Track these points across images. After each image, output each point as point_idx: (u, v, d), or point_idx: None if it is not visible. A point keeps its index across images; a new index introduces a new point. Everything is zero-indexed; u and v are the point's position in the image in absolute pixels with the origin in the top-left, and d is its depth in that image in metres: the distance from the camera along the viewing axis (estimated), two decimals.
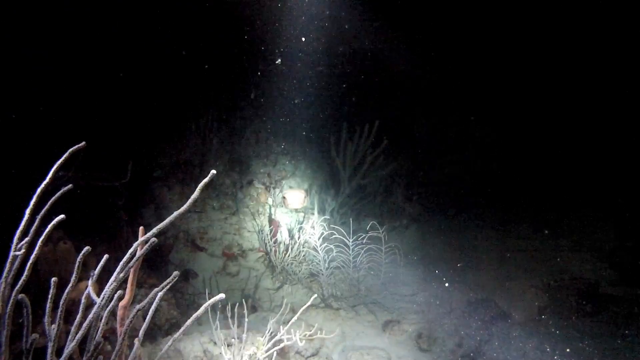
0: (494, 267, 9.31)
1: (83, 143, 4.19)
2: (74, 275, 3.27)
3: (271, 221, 8.42)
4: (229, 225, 8.44)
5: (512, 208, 11.28)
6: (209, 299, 5.21)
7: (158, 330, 5.89)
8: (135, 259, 3.07)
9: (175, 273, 3.00)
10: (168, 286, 3.02)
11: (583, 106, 11.77)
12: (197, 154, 9.00)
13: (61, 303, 3.16)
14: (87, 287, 3.53)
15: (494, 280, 8.83)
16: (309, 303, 5.35)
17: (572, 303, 7.86)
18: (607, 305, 7.99)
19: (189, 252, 7.90)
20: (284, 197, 8.56)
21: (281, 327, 5.49)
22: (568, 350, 6.92)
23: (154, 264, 6.92)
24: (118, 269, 3.24)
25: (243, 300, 6.09)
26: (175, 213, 3.13)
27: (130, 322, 3.00)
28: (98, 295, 3.23)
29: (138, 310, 2.96)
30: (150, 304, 3.11)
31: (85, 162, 4.98)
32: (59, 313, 3.27)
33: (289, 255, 7.84)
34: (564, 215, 10.53)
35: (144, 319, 3.46)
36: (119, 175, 5.51)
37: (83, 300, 3.45)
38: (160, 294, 3.12)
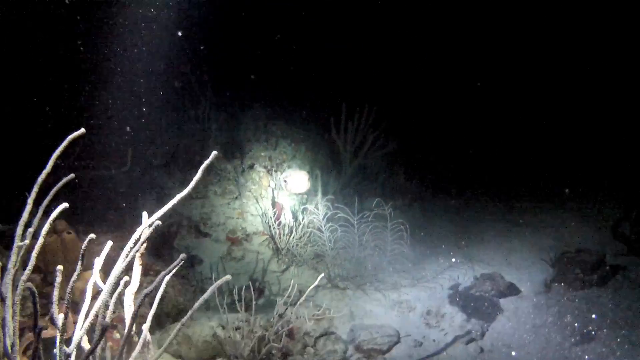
0: (499, 242, 9.29)
1: (82, 130, 4.14)
2: (79, 263, 3.24)
3: (274, 204, 8.39)
4: (232, 210, 8.42)
5: (515, 183, 11.26)
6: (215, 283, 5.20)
7: (165, 317, 5.88)
8: (140, 242, 3.04)
9: (182, 256, 2.97)
10: (175, 269, 2.99)
11: (584, 81, 11.71)
12: (196, 140, 8.95)
13: (67, 291, 3.13)
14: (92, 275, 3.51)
15: (500, 254, 8.82)
16: (315, 283, 5.36)
17: (579, 275, 7.83)
18: (614, 275, 7.98)
19: (193, 238, 7.89)
20: (284, 181, 8.13)
21: (289, 308, 5.50)
22: (576, 323, 6.91)
23: (159, 252, 6.90)
24: (123, 254, 3.21)
25: (250, 283, 6.09)
26: (179, 195, 3.10)
27: (138, 307, 2.98)
28: (104, 283, 3.20)
29: (146, 294, 2.93)
30: (157, 288, 3.09)
31: (86, 151, 4.94)
32: (66, 301, 3.25)
33: (293, 237, 7.83)
34: (568, 190, 10.49)
35: (151, 305, 3.45)
36: (119, 164, 5.48)
37: (89, 288, 3.43)
38: (167, 277, 3.09)
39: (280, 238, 7.86)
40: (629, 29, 11.24)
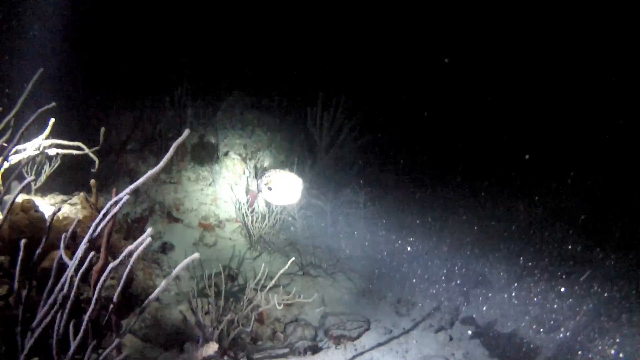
0: (472, 235, 9.39)
1: (53, 104, 4.09)
2: (44, 238, 3.20)
3: (248, 191, 8.35)
4: (205, 196, 8.37)
5: (487, 179, 11.36)
6: (186, 267, 5.17)
7: (136, 301, 5.82)
8: (109, 217, 3.00)
9: (149, 230, 2.94)
10: (144, 244, 2.95)
11: (555, 81, 11.83)
12: (172, 126, 8.87)
13: (31, 266, 3.09)
14: (59, 254, 3.46)
15: (472, 247, 8.91)
16: (285, 268, 5.36)
17: (548, 267, 7.98)
18: (581, 268, 8.14)
19: (166, 224, 7.82)
20: (269, 188, 5.78)
21: (259, 293, 5.49)
22: (545, 313, 7.03)
23: (131, 237, 6.82)
24: (91, 229, 3.17)
25: (221, 269, 6.07)
26: (150, 172, 3.08)
27: (105, 280, 2.94)
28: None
29: (112, 267, 2.90)
30: (124, 263, 3.05)
31: (57, 129, 4.86)
32: (29, 277, 3.20)
33: (266, 225, 7.81)
34: (539, 187, 10.63)
35: (119, 285, 3.40)
36: (91, 144, 5.40)
37: (55, 264, 3.38)
38: (136, 252, 3.05)
39: (252, 225, 7.83)
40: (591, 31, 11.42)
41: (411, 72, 11.72)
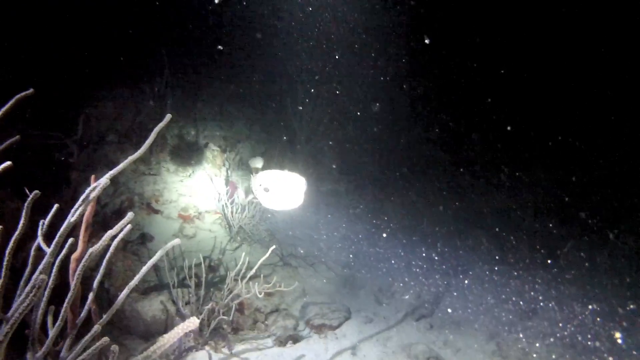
0: (451, 225, 9.46)
1: (31, 90, 4.01)
2: (21, 222, 3.14)
3: (228, 182, 8.31)
4: (185, 187, 8.30)
5: (467, 170, 11.45)
6: (166, 261, 5.13)
7: (115, 292, 5.77)
8: (87, 201, 2.96)
9: (130, 214, 2.91)
10: (125, 229, 2.92)
11: (537, 69, 11.94)
12: (152, 117, 8.78)
13: (7, 252, 3.03)
14: (36, 241, 3.41)
15: (451, 236, 8.98)
16: (265, 256, 5.34)
17: (526, 254, 8.08)
18: (558, 255, 8.26)
19: (145, 215, 7.74)
20: (264, 189, 4.82)
21: (239, 282, 5.47)
22: (521, 299, 7.12)
23: (109, 226, 6.74)
24: (70, 215, 3.13)
25: (202, 259, 6.03)
26: (130, 157, 3.05)
27: (84, 266, 2.90)
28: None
29: (91, 252, 2.87)
30: (104, 248, 3.02)
31: (36, 117, 4.79)
32: (4, 264, 3.14)
33: (245, 216, 7.78)
34: (519, 176, 10.74)
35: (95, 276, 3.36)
36: (70, 133, 5.32)
37: (32, 252, 3.33)
38: (118, 237, 3.02)
39: (232, 216, 7.79)
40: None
41: (391, 62, 11.73)
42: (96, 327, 2.89)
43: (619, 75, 11.16)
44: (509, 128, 10.96)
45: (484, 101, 11.59)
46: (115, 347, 2.68)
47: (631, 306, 7.15)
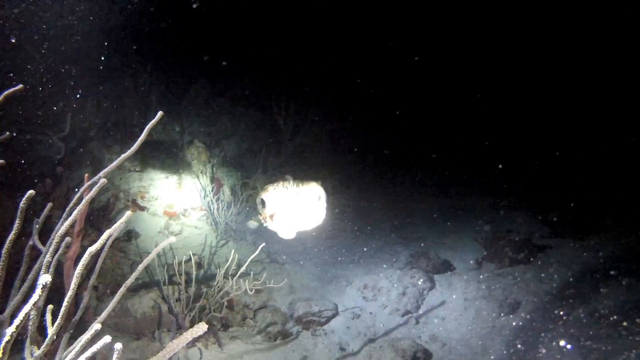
0: (435, 223, 9.57)
1: (20, 86, 3.98)
2: (16, 222, 3.14)
3: (213, 179, 8.32)
4: (170, 184, 8.29)
5: (450, 171, 11.57)
6: (155, 258, 5.13)
7: (104, 289, 5.76)
8: (85, 200, 2.97)
9: (128, 213, 2.93)
10: (121, 226, 2.94)
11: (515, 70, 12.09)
12: (136, 112, 8.74)
13: (3, 252, 3.03)
14: (30, 240, 3.41)
15: (436, 234, 9.08)
16: (254, 255, 5.37)
17: (508, 253, 8.20)
18: (539, 254, 8.39)
19: (130, 212, 7.72)
20: (262, 204, 3.42)
21: (228, 280, 5.50)
22: (504, 296, 7.23)
23: (97, 224, 6.73)
24: (65, 214, 3.14)
25: (190, 256, 6.04)
26: (123, 155, 3.07)
27: (84, 265, 2.91)
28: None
29: (91, 252, 2.88)
30: (102, 247, 3.03)
31: (23, 114, 4.76)
32: (1, 264, 3.14)
33: (232, 213, 7.80)
34: (501, 178, 10.89)
35: (89, 276, 3.37)
36: (57, 130, 5.28)
37: (27, 251, 3.33)
38: (113, 237, 3.03)
39: (219, 213, 7.81)
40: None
41: (380, 62, 11.79)
42: (97, 326, 2.90)
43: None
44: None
45: None
46: (118, 345, 2.70)
47: None
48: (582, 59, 11.42)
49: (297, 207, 2.97)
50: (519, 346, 6.25)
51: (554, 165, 10.74)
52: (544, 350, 6.17)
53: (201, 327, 2.00)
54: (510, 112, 11.68)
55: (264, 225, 3.19)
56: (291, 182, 3.00)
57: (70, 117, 4.77)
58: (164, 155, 8.52)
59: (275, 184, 3.01)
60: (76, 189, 6.43)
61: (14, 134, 4.53)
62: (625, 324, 5.81)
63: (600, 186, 9.85)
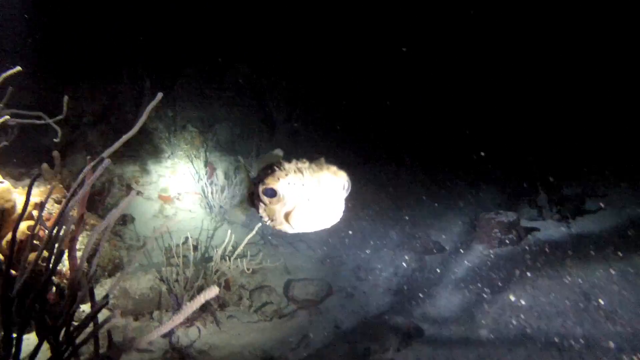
0: (425, 206, 9.72)
1: (18, 67, 4.03)
2: (23, 201, 3.22)
3: (207, 164, 8.40)
4: (164, 168, 8.36)
5: (440, 156, 11.68)
6: (147, 242, 5.24)
7: (102, 272, 5.85)
8: (91, 179, 3.05)
9: (134, 192, 3.01)
10: (126, 205, 3.02)
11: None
12: (130, 99, 8.77)
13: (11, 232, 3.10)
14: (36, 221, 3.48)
15: (426, 217, 9.23)
16: (249, 236, 5.49)
17: (496, 234, 8.37)
18: (526, 235, 8.58)
19: (125, 196, 7.78)
20: (264, 191, 2.16)
21: (225, 261, 5.62)
22: (492, 275, 7.42)
23: (91, 207, 6.80)
24: (69, 194, 3.21)
25: (189, 238, 6.15)
26: (125, 136, 3.14)
27: (96, 244, 3.00)
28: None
29: (104, 228, 2.97)
30: (108, 226, 3.12)
31: (18, 98, 4.80)
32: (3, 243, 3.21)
33: (225, 196, 7.89)
34: (487, 164, 11.02)
35: (88, 260, 3.43)
36: (53, 113, 5.32)
37: (31, 232, 3.40)
38: (115, 216, 3.12)
39: (212, 197, 7.89)
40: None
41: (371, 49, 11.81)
42: (102, 301, 3.01)
43: None
44: None
45: None
46: (128, 322, 2.81)
47: None
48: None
49: (319, 201, 2.07)
50: (509, 324, 6.44)
51: (542, 149, 10.90)
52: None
53: (213, 290, 2.06)
54: (497, 95, 11.79)
55: (268, 223, 2.22)
56: (306, 166, 2.13)
57: (67, 102, 4.82)
58: (158, 139, 8.58)
59: (286, 168, 2.11)
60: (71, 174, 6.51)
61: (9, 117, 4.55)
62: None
63: (585, 168, 10.05)
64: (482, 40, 11.95)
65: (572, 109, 11.16)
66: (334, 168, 2.15)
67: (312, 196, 2.03)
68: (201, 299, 2.19)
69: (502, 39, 11.87)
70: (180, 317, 2.26)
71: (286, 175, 2.05)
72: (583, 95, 11.26)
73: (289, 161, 2.20)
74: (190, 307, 2.20)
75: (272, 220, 2.17)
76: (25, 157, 6.18)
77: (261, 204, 2.18)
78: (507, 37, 11.84)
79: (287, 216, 2.05)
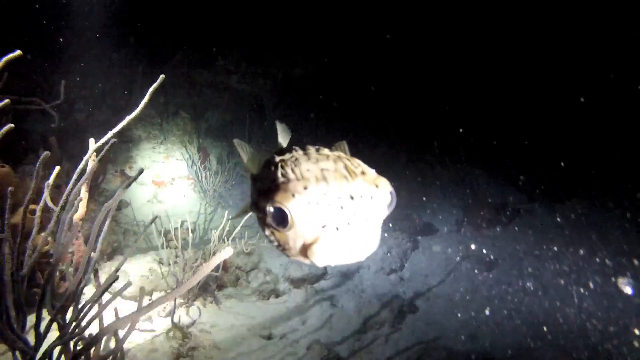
0: (417, 188, 9.85)
1: (18, 52, 4.05)
2: (33, 182, 3.28)
3: (200, 149, 8.47)
4: (157, 154, 8.43)
5: (430, 138, 11.78)
6: (141, 227, 5.30)
7: (101, 255, 5.92)
8: (96, 160, 3.13)
9: (140, 169, 3.10)
10: (130, 184, 3.11)
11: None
12: (122, 84, 8.78)
13: (22, 211, 3.17)
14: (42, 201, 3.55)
15: (417, 199, 9.37)
16: (246, 217, 5.58)
17: (486, 216, 8.56)
18: (515, 217, 8.78)
19: (119, 182, 7.85)
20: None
21: (221, 242, 5.71)
22: (482, 254, 7.62)
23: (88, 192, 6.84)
24: (75, 175, 3.28)
25: (188, 221, 6.25)
26: (128, 117, 3.20)
27: (102, 221, 3.09)
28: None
29: (108, 207, 3.05)
30: (116, 202, 3.21)
31: (15, 84, 4.84)
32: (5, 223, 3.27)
33: (219, 180, 7.97)
34: (477, 147, 11.14)
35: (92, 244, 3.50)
36: (50, 98, 5.36)
37: (38, 212, 3.47)
38: (118, 196, 3.20)
39: (207, 181, 7.97)
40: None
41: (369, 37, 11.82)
42: (114, 274, 3.10)
43: None
44: None
45: None
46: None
47: None
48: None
49: (352, 227, 1.31)
50: (495, 301, 6.64)
51: (530, 135, 11.03)
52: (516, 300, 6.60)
53: (227, 251, 2.06)
54: (491, 80, 11.89)
55: (280, 250, 1.46)
56: (330, 165, 1.41)
57: (64, 86, 4.85)
58: (150, 126, 8.62)
59: (302, 171, 1.37)
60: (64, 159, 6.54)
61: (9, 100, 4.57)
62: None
63: (573, 156, 10.21)
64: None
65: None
66: (371, 173, 1.46)
67: (343, 221, 1.30)
68: (216, 260, 2.28)
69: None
70: (196, 279, 2.36)
71: (304, 187, 1.31)
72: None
73: (303, 149, 1.54)
74: (207, 267, 2.29)
75: (284, 250, 1.43)
76: (19, 143, 6.22)
77: (267, 227, 1.44)
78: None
79: (306, 249, 1.32)
